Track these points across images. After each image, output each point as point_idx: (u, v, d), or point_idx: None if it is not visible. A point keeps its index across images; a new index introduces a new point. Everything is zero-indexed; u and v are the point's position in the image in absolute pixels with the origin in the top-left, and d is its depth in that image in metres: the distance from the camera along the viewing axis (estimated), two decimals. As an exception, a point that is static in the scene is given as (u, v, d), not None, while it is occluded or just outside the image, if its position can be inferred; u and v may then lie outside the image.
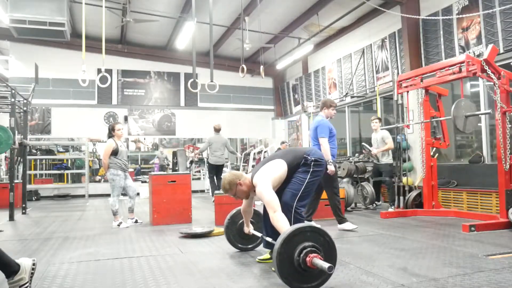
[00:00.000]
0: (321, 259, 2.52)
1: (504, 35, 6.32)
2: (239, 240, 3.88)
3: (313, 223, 5.09)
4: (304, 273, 2.56)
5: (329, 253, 2.63)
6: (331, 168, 4.84)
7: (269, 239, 3.25)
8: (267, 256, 3.47)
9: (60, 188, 11.85)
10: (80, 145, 12.75)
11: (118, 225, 5.65)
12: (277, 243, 2.56)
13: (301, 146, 12.55)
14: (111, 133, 5.86)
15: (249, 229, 3.71)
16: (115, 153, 5.69)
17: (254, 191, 3.25)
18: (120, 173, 5.71)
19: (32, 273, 2.58)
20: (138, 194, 10.43)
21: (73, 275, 3.16)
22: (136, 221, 5.91)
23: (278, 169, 3.27)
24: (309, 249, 2.54)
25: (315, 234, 2.63)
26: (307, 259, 2.50)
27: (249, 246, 3.92)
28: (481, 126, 6.71)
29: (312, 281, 2.59)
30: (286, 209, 3.12)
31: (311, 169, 3.29)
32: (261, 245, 3.71)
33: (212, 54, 6.73)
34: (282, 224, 2.84)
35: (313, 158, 3.32)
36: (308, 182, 3.27)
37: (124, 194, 6.03)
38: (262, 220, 3.59)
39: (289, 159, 3.34)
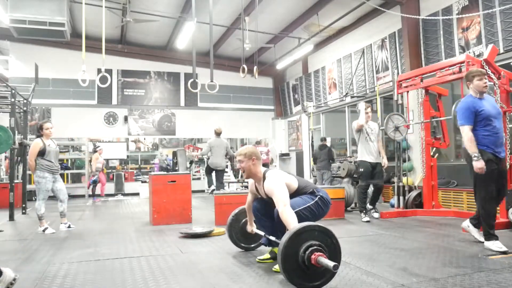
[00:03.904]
0: (326, 258, 2.52)
1: (504, 35, 6.32)
2: (242, 239, 3.87)
3: None
4: (307, 271, 2.55)
5: (334, 255, 2.63)
6: (476, 164, 3.66)
7: (272, 238, 3.24)
8: (267, 256, 3.47)
9: (60, 188, 11.82)
10: (80, 145, 12.75)
11: (43, 231, 5.26)
12: (285, 237, 2.56)
13: (301, 147, 12.56)
14: (39, 132, 5.48)
15: (252, 228, 3.69)
16: (42, 153, 5.30)
17: (261, 185, 3.25)
18: (47, 176, 5.32)
19: (9, 287, 2.52)
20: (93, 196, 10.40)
21: (73, 275, 3.16)
22: (69, 226, 5.55)
23: (290, 179, 3.28)
24: (315, 247, 2.54)
25: (323, 234, 2.63)
26: (313, 256, 2.50)
27: (252, 246, 3.91)
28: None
29: (315, 280, 2.59)
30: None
31: (316, 199, 3.25)
32: (263, 245, 3.69)
33: (212, 54, 6.73)
34: (292, 219, 2.83)
35: (320, 194, 3.28)
36: (310, 206, 3.20)
37: (52, 197, 5.66)
38: (258, 222, 3.58)
39: (301, 183, 3.34)
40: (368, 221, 5.68)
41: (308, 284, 2.59)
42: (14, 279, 2.57)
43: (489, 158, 3.66)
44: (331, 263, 2.43)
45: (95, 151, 10.95)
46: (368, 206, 6.06)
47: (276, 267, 3.14)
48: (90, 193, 10.72)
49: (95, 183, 10.58)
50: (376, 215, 6.04)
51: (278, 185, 3.07)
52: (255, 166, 3.29)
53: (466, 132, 3.74)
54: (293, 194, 3.21)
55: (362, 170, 5.94)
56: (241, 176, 12.28)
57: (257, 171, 3.31)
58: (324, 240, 2.61)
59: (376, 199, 6.19)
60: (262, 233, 3.52)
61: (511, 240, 4.15)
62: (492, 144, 3.70)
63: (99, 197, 10.77)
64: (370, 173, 5.90)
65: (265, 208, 3.44)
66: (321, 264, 2.48)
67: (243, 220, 3.81)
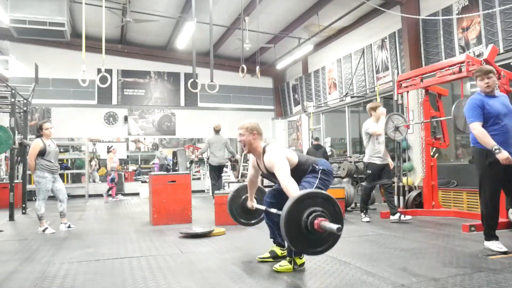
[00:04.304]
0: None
1: (504, 35, 6.32)
2: (242, 215, 3.81)
3: None
4: (309, 236, 2.55)
5: (337, 221, 2.61)
6: (500, 156, 3.48)
7: (273, 211, 3.22)
8: (267, 254, 3.47)
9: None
10: (80, 145, 12.76)
11: (43, 231, 5.28)
12: (288, 203, 2.55)
13: (301, 147, 12.55)
14: (39, 132, 5.49)
15: (253, 203, 3.66)
16: (42, 153, 5.32)
17: (261, 160, 3.25)
18: (47, 176, 5.34)
19: None
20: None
21: (73, 275, 3.16)
22: (69, 226, 5.56)
23: (291, 154, 3.25)
24: (318, 213, 2.54)
25: (326, 201, 2.62)
26: (316, 221, 2.50)
27: (252, 222, 3.85)
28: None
29: (317, 246, 2.60)
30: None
31: (319, 176, 3.24)
32: (263, 220, 3.63)
33: (212, 54, 6.73)
34: (293, 188, 2.84)
35: (321, 168, 3.27)
36: (317, 186, 3.19)
37: (52, 197, 5.64)
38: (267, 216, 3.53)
39: (302, 158, 3.32)
40: (368, 221, 5.68)
41: (311, 250, 2.60)
42: None
43: (495, 160, 3.56)
44: (334, 226, 2.42)
45: (109, 151, 10.93)
46: (361, 213, 5.95)
47: (277, 266, 3.15)
48: (109, 192, 10.65)
49: (113, 181, 10.54)
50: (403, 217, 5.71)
51: (278, 157, 3.07)
52: (255, 140, 3.28)
53: (477, 128, 3.64)
54: (294, 170, 3.17)
55: (370, 172, 5.83)
56: (241, 176, 12.31)
57: (257, 145, 3.29)
58: (326, 207, 2.59)
59: (392, 198, 5.93)
60: (262, 207, 3.49)
61: (511, 240, 4.15)
62: (501, 143, 3.58)
63: (110, 196, 10.71)
64: (377, 175, 5.82)
65: (278, 203, 3.38)
66: (324, 229, 2.48)
67: (244, 196, 3.76)
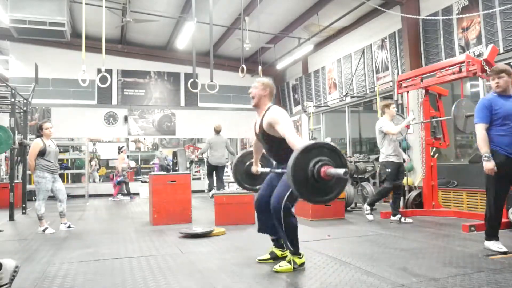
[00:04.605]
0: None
1: (504, 35, 6.32)
2: (246, 180, 3.81)
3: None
4: (316, 185, 2.57)
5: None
6: (486, 165, 3.56)
7: (278, 171, 3.21)
8: (267, 256, 3.47)
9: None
10: (80, 145, 12.76)
11: (44, 231, 5.27)
12: (295, 152, 2.57)
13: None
14: (39, 132, 5.48)
15: (257, 168, 3.66)
16: (42, 153, 5.32)
17: (260, 117, 3.25)
18: (46, 176, 5.33)
19: (14, 276, 2.51)
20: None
21: (73, 275, 3.16)
22: (69, 226, 5.56)
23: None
24: (325, 161, 2.56)
25: (332, 152, 2.64)
26: (322, 169, 2.52)
27: (257, 187, 3.82)
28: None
29: (324, 194, 2.63)
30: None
31: None
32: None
33: (212, 54, 6.73)
34: (299, 141, 2.87)
35: None
36: None
37: (52, 197, 5.65)
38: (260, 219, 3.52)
39: None
40: (371, 220, 5.70)
41: (317, 198, 2.64)
42: (17, 267, 2.55)
43: (501, 161, 3.54)
44: (341, 170, 2.45)
45: (119, 152, 10.91)
46: (367, 206, 5.91)
47: (277, 267, 3.15)
48: (120, 192, 10.66)
49: (119, 183, 10.52)
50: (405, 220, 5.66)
51: (284, 115, 3.07)
52: (265, 97, 3.28)
53: (479, 130, 3.66)
54: (285, 143, 3.10)
55: (390, 170, 5.66)
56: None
57: (265, 103, 3.29)
58: (333, 157, 2.61)
59: (399, 200, 5.89)
60: (267, 169, 3.50)
61: (511, 240, 4.15)
62: (507, 144, 3.56)
63: (123, 195, 10.74)
64: (396, 174, 5.68)
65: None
66: (331, 175, 2.50)
67: (248, 162, 3.76)
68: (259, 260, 3.48)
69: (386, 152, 5.68)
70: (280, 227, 3.08)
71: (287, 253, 3.29)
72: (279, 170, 3.20)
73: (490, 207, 3.69)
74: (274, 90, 3.36)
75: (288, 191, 3.03)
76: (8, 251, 4.21)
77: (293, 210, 3.15)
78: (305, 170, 2.54)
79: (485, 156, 3.55)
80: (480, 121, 3.68)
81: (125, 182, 10.57)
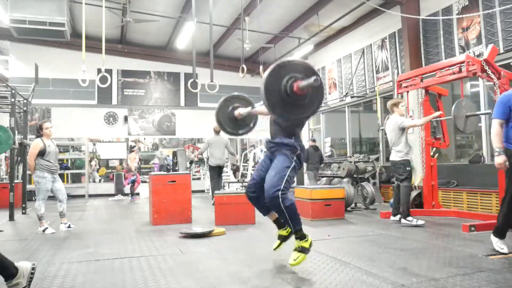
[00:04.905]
0: None
1: (504, 35, 6.32)
2: (229, 124, 3.72)
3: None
4: (289, 100, 2.61)
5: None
6: (496, 159, 3.60)
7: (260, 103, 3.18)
8: (278, 242, 3.47)
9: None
10: (80, 145, 12.76)
11: (44, 231, 5.26)
12: (269, 69, 2.62)
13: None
14: (39, 132, 5.47)
15: (239, 111, 3.59)
16: (42, 154, 5.31)
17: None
18: (46, 176, 5.33)
19: (31, 278, 2.55)
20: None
21: (73, 275, 3.16)
22: (69, 226, 5.54)
23: None
24: (298, 77, 2.59)
25: (307, 70, 2.67)
26: (295, 84, 2.56)
27: (240, 132, 3.79)
28: (481, 126, 6.72)
29: (298, 113, 2.68)
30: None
31: (293, 162, 3.12)
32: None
33: (212, 54, 6.73)
34: None
35: (299, 152, 3.17)
36: (289, 175, 3.08)
37: (52, 197, 5.64)
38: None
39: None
40: (423, 223, 5.25)
41: (292, 116, 2.69)
42: (33, 268, 2.59)
43: None
44: (311, 79, 2.47)
45: (131, 150, 10.90)
46: (406, 219, 5.41)
47: (291, 261, 3.07)
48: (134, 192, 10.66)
49: (133, 182, 10.53)
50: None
51: None
52: None
53: (494, 126, 3.66)
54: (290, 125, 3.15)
55: (409, 169, 5.53)
56: (241, 176, 12.31)
57: None
58: (307, 75, 2.61)
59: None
60: (247, 109, 3.52)
61: (511, 240, 4.16)
62: None
63: (137, 195, 10.73)
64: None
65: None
66: (303, 88, 2.53)
67: (231, 107, 3.69)
68: (274, 249, 3.48)
69: (404, 150, 5.48)
70: (281, 214, 3.07)
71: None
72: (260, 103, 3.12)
73: (505, 204, 3.64)
74: None
75: (283, 179, 3.00)
76: (8, 251, 4.20)
77: (288, 192, 3.08)
78: (279, 86, 2.58)
79: (496, 151, 3.58)
80: (496, 117, 3.69)
81: (133, 182, 10.58)
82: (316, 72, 2.68)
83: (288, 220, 3.10)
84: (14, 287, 2.48)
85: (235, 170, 12.94)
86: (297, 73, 2.61)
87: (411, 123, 5.59)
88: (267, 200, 3.05)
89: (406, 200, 5.45)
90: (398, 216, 5.56)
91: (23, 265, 2.54)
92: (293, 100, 2.61)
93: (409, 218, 5.33)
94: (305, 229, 3.24)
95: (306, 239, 3.17)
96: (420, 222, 5.27)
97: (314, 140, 9.92)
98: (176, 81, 13.05)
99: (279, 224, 3.46)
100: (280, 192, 2.97)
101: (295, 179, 3.31)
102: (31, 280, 2.56)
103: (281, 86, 2.58)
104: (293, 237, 3.25)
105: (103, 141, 13.69)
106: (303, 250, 3.12)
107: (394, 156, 5.54)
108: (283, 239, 3.47)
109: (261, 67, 8.54)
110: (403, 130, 5.47)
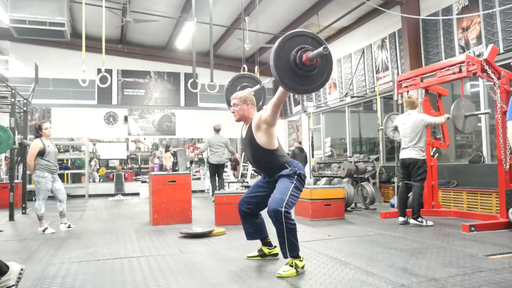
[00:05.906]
0: None
1: (504, 35, 6.32)
2: None
3: None
4: (298, 71, 2.62)
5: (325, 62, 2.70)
6: None
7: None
8: (256, 253, 3.55)
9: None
10: (80, 145, 12.76)
11: (44, 231, 5.26)
12: (279, 39, 2.63)
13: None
14: (38, 132, 5.48)
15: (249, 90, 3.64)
16: (42, 154, 5.32)
17: (247, 125, 3.27)
18: (46, 176, 5.33)
19: (19, 278, 2.58)
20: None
21: (73, 275, 3.16)
22: (69, 226, 5.55)
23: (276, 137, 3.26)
24: (308, 49, 2.61)
25: (316, 42, 2.70)
26: (304, 54, 2.57)
27: None
28: (481, 126, 6.72)
29: (308, 84, 2.69)
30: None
31: (294, 181, 3.15)
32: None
33: (212, 54, 6.73)
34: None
35: (298, 171, 3.18)
36: (291, 194, 3.08)
37: (52, 197, 5.69)
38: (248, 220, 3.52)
39: (280, 147, 3.29)
40: (432, 224, 5.23)
41: (302, 88, 2.70)
42: (22, 270, 2.61)
43: None
44: (320, 48, 2.49)
45: (167, 150, 10.87)
46: (416, 219, 5.33)
47: (281, 272, 2.99)
48: None
49: None
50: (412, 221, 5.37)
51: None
52: (248, 110, 3.28)
53: (508, 127, 3.68)
54: (269, 154, 3.16)
55: (426, 168, 5.44)
56: (241, 176, 12.30)
57: (250, 113, 3.29)
58: (316, 47, 2.63)
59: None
60: (257, 87, 3.64)
61: (511, 240, 4.16)
62: None
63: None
64: None
65: (256, 207, 3.41)
66: (312, 58, 2.54)
67: (240, 86, 3.84)
68: (248, 257, 3.54)
69: (424, 150, 5.35)
70: (281, 229, 3.02)
71: (276, 250, 3.37)
72: (266, 81, 3.29)
73: None
74: (253, 99, 3.34)
75: (287, 195, 3.02)
76: (8, 251, 4.20)
77: (292, 212, 3.14)
78: (288, 57, 2.60)
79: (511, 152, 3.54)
80: (510, 118, 3.67)
81: None
82: (324, 42, 2.72)
83: (286, 242, 3.01)
84: (4, 283, 2.51)
85: (235, 164, 12.89)
86: (306, 44, 2.63)
87: (436, 120, 5.44)
88: (270, 213, 3.01)
89: (419, 200, 5.35)
90: (406, 218, 5.42)
91: (14, 266, 2.58)
92: (302, 72, 2.62)
93: (419, 219, 5.27)
94: (305, 229, 3.24)
95: (301, 259, 3.11)
96: (430, 222, 5.22)
97: (300, 143, 10.59)
98: (176, 81, 13.06)
99: (265, 241, 3.51)
100: (283, 208, 2.96)
101: (298, 198, 3.28)
102: (19, 281, 2.58)
103: (290, 57, 2.59)
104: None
105: (103, 141, 13.69)
106: (295, 267, 3.06)
107: (415, 154, 5.35)
108: (262, 255, 3.49)
109: (256, 67, 8.53)
110: (425, 127, 5.37)
